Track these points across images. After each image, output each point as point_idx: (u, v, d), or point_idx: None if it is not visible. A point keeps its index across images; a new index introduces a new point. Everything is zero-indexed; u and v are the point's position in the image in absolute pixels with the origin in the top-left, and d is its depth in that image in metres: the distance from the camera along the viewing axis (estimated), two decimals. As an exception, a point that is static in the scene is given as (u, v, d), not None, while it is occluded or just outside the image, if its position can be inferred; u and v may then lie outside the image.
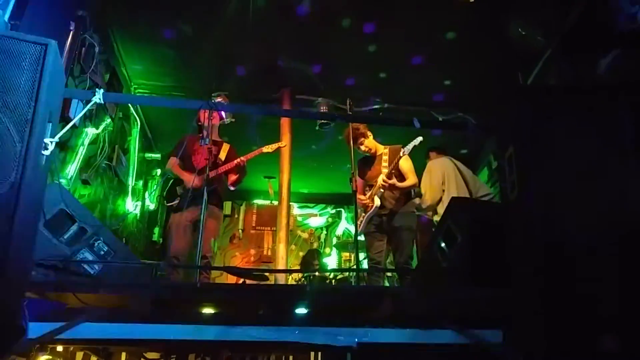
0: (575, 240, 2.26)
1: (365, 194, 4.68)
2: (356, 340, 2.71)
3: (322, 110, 6.24)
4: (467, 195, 4.63)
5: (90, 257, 2.84)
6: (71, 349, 3.02)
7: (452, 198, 3.51)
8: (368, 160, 4.87)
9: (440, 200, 4.82)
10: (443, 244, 3.13)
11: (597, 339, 2.17)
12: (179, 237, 4.19)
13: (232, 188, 4.68)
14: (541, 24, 4.74)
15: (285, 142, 5.13)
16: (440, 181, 4.82)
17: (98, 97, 2.90)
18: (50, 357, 2.84)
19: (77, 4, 4.42)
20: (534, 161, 2.39)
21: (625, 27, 3.95)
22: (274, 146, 4.63)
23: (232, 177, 4.56)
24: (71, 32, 4.27)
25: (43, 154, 2.18)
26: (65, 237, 2.80)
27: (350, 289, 3.82)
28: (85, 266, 2.79)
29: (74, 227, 2.85)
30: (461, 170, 4.77)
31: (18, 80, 2.04)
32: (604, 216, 2.29)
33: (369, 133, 4.81)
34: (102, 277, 2.80)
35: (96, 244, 2.90)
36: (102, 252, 2.92)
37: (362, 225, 4.63)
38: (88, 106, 2.75)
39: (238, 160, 4.42)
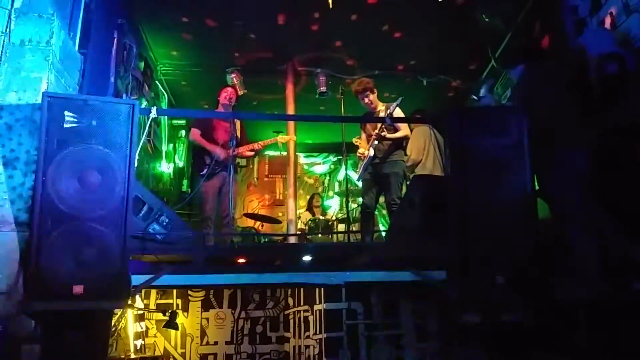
0: (485, 210, 3.49)
1: (367, 145, 5.60)
2: (344, 280, 4.01)
3: (321, 79, 7.32)
4: (440, 159, 5.68)
5: (157, 228, 4.07)
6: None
7: (415, 176, 4.67)
8: (368, 116, 5.69)
9: (420, 161, 5.90)
10: (408, 208, 4.33)
11: (494, 277, 3.43)
12: (210, 201, 5.39)
13: None
14: (501, 13, 5.70)
15: (294, 137, 6.33)
16: (422, 146, 5.79)
17: (153, 113, 4.06)
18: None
19: (117, 14, 5.38)
20: (460, 158, 3.58)
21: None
22: (286, 138, 5.83)
23: (249, 154, 5.75)
24: (115, 39, 5.29)
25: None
26: (140, 215, 4.01)
27: (339, 245, 5.10)
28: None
29: (145, 208, 4.06)
30: (437, 138, 5.77)
31: (119, 129, 3.18)
32: (505, 194, 3.51)
33: (374, 90, 5.55)
34: (168, 242, 4.03)
35: (160, 218, 4.12)
36: (164, 224, 4.14)
37: (360, 171, 5.67)
38: (147, 125, 3.90)
39: (258, 146, 5.56)
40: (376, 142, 5.37)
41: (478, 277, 3.48)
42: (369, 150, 5.40)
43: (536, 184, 3.70)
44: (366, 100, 5.50)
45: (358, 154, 5.61)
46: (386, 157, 5.40)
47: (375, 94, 5.56)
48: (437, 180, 4.34)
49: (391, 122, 4.74)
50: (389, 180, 5.37)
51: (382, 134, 5.29)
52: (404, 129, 5.46)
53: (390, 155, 5.41)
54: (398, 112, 5.37)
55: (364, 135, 5.71)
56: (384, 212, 7.36)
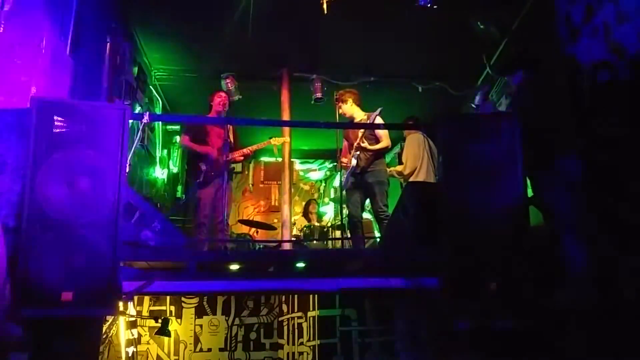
0: (477, 216, 3.47)
1: (349, 154, 5.67)
2: (337, 287, 3.98)
3: (316, 85, 7.32)
4: (433, 166, 5.68)
5: (150, 234, 4.03)
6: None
7: (408, 183, 4.66)
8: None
9: (416, 168, 5.89)
10: (401, 215, 4.31)
11: (486, 284, 3.40)
12: (206, 208, 5.36)
13: None
14: (496, 21, 5.72)
15: (287, 138, 6.26)
16: (418, 154, 5.86)
17: (146, 119, 4.02)
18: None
19: (110, 18, 5.37)
20: (453, 165, 3.56)
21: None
22: (280, 140, 5.78)
23: (239, 158, 5.70)
24: (108, 44, 5.26)
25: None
26: (132, 221, 3.98)
27: (333, 252, 5.07)
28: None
29: (137, 214, 4.03)
30: (430, 145, 5.79)
31: (109, 134, 3.15)
32: (497, 201, 3.49)
33: (347, 99, 5.59)
34: (160, 248, 4.00)
35: (153, 225, 4.09)
36: (156, 230, 4.11)
37: (344, 182, 5.70)
38: (140, 130, 3.87)
39: (248, 151, 5.53)
40: (357, 152, 5.40)
41: (470, 284, 3.47)
42: (350, 160, 5.43)
43: (529, 190, 3.69)
44: (340, 111, 5.59)
45: (342, 163, 5.63)
46: (368, 166, 5.43)
47: (349, 104, 5.60)
48: (431, 187, 4.33)
49: (380, 128, 4.71)
50: (374, 189, 5.40)
51: (363, 145, 5.33)
52: (384, 141, 5.47)
53: (371, 164, 5.44)
54: (379, 121, 5.41)
55: (345, 143, 5.72)
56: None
